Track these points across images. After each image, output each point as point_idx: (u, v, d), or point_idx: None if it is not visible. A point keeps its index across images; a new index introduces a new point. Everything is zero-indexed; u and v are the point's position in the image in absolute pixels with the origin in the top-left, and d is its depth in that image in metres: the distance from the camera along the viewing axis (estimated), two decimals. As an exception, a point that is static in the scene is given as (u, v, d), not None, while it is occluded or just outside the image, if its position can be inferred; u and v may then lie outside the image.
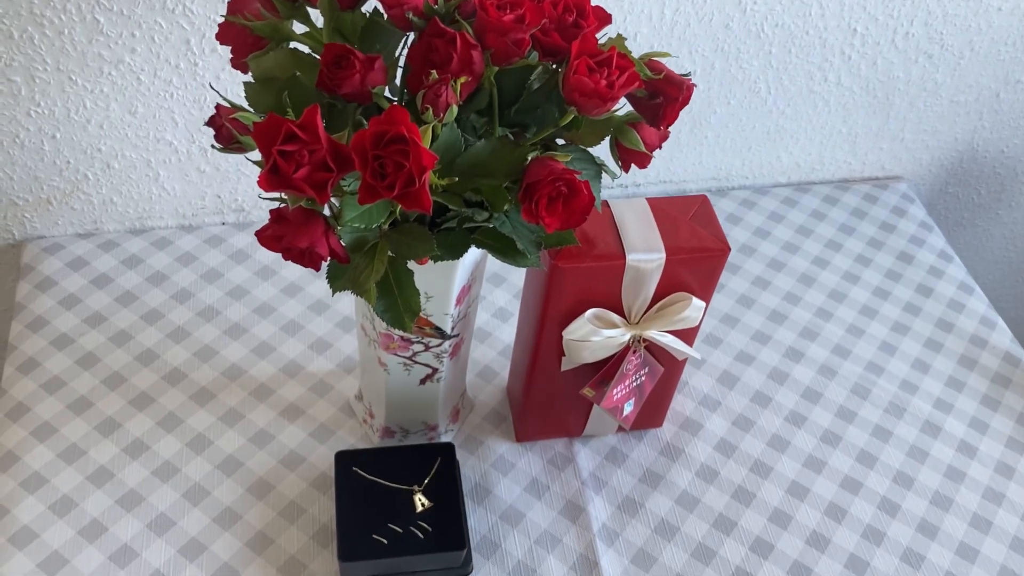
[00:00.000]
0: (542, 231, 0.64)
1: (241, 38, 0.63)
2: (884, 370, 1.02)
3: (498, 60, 0.59)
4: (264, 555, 0.82)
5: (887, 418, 0.97)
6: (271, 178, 0.52)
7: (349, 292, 0.67)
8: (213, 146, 0.62)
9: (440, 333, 0.75)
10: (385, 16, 0.62)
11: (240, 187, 1.05)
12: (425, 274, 0.67)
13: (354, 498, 0.79)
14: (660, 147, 0.66)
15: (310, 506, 0.85)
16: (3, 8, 0.84)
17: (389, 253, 0.61)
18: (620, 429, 0.93)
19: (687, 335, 0.82)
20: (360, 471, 0.81)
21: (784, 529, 0.88)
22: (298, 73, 0.61)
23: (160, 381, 0.93)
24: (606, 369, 0.81)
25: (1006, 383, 1.02)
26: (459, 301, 0.74)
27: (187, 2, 0.87)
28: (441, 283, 0.70)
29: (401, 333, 0.75)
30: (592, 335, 0.77)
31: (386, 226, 0.61)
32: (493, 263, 1.07)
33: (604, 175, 0.66)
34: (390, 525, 0.78)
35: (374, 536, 0.77)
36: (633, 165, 0.66)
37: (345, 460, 0.82)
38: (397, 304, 0.63)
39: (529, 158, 0.60)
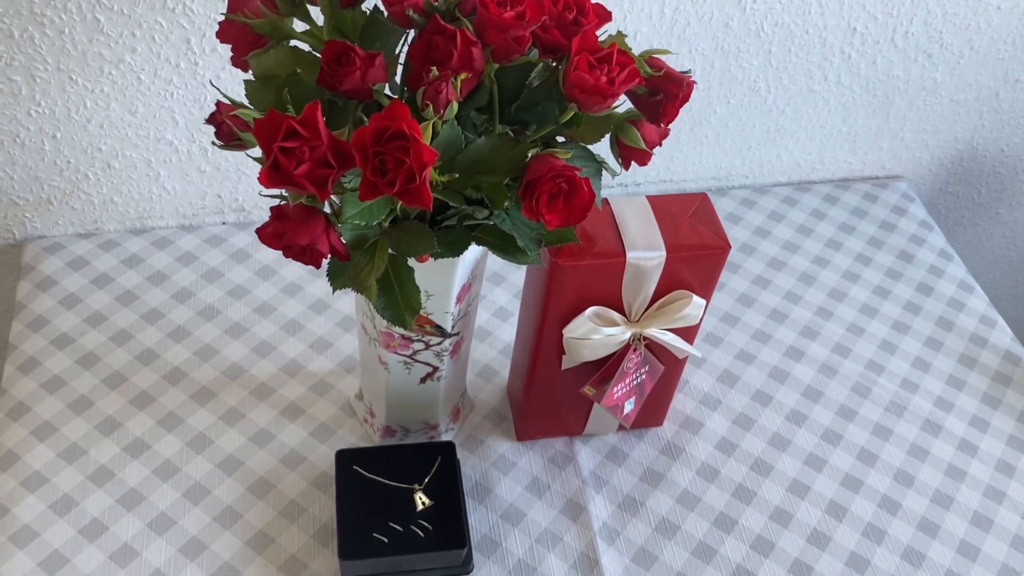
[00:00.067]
0: (542, 228, 0.64)
1: (241, 36, 0.63)
2: (885, 369, 1.02)
3: (498, 57, 0.59)
4: (265, 554, 0.82)
5: (888, 417, 0.97)
6: (272, 174, 0.52)
7: (349, 291, 0.67)
8: (213, 143, 0.62)
9: (440, 331, 0.75)
10: (385, 13, 0.62)
11: (240, 187, 1.06)
12: (425, 272, 0.67)
13: (354, 497, 0.79)
14: (660, 144, 0.66)
15: (310, 505, 0.85)
16: (3, 7, 0.84)
17: (389, 250, 0.61)
18: (621, 428, 0.93)
19: (687, 333, 0.82)
20: (361, 470, 0.81)
21: (785, 527, 0.88)
22: (298, 70, 0.61)
23: (160, 380, 0.93)
24: (606, 367, 0.81)
25: (1007, 382, 1.02)
26: (459, 299, 0.74)
27: (187, 1, 0.87)
28: (441, 281, 0.70)
29: (402, 331, 0.75)
30: (592, 333, 0.77)
31: (386, 223, 0.61)
32: (494, 262, 1.07)
33: (604, 173, 0.66)
34: (391, 524, 0.78)
35: (375, 535, 0.77)
36: (633, 163, 0.66)
37: (346, 459, 0.82)
38: (397, 301, 0.63)
39: (529, 155, 0.60)
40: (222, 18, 0.63)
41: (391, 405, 0.84)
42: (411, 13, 0.59)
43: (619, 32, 0.62)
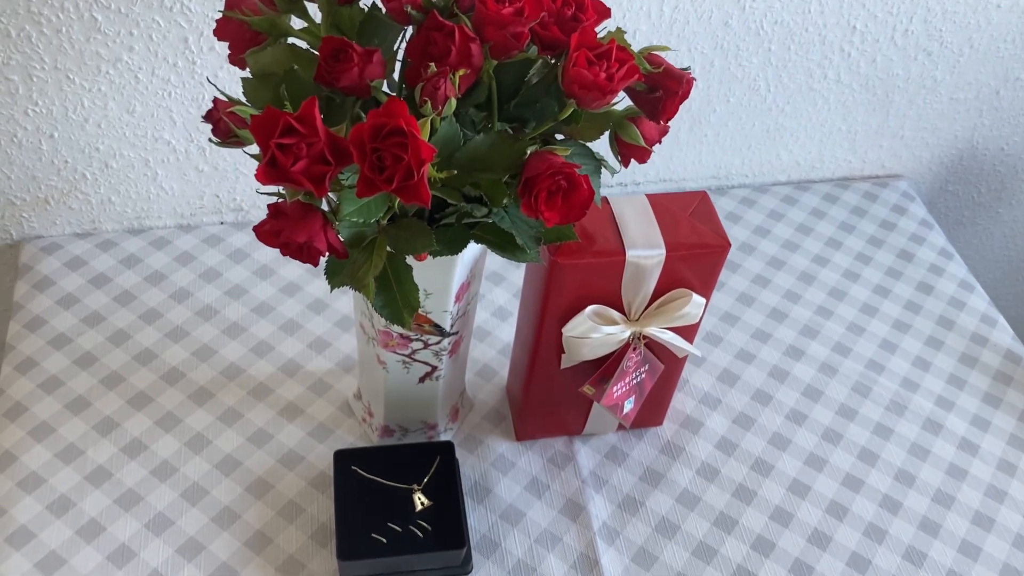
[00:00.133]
0: (541, 226, 0.64)
1: (239, 34, 0.63)
2: (885, 368, 1.01)
3: (497, 54, 0.59)
4: (263, 554, 0.81)
5: (888, 416, 0.97)
6: (269, 171, 0.52)
7: (348, 290, 0.67)
8: (211, 140, 0.62)
9: (439, 330, 0.75)
10: (383, 10, 0.62)
11: (238, 186, 1.05)
12: (424, 270, 0.66)
13: (353, 497, 0.79)
14: (660, 142, 0.66)
15: (309, 505, 0.85)
16: (0, 6, 0.83)
17: (388, 248, 0.61)
18: (620, 427, 0.92)
19: (687, 332, 0.81)
20: (359, 470, 0.81)
21: (785, 527, 0.87)
22: (296, 68, 0.60)
23: (158, 380, 0.93)
24: (606, 366, 0.81)
25: (1007, 381, 1.02)
26: (458, 298, 0.73)
27: (184, 0, 0.87)
28: (440, 279, 0.70)
29: (400, 330, 0.75)
30: (592, 332, 0.77)
31: (385, 221, 0.61)
32: (493, 260, 1.07)
33: (604, 171, 0.65)
34: (389, 524, 0.78)
35: (373, 535, 0.77)
36: (633, 161, 0.66)
37: (344, 459, 0.81)
38: (396, 300, 0.62)
39: (528, 152, 0.59)
40: (220, 16, 0.63)
41: (390, 405, 0.84)
42: (409, 9, 0.58)
43: (618, 28, 0.62)
